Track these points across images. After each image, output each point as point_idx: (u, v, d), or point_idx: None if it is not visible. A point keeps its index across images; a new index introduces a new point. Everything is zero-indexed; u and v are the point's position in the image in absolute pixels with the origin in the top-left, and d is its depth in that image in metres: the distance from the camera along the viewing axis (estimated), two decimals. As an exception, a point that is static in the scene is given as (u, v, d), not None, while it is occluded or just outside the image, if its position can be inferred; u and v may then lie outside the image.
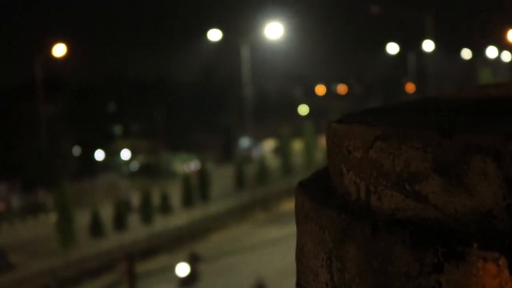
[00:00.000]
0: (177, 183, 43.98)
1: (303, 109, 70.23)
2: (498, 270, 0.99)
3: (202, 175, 43.28)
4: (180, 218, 39.68)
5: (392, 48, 56.61)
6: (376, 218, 1.13)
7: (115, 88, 58.50)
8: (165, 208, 39.53)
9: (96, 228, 36.25)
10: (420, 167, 1.11)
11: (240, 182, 46.39)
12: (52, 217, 36.97)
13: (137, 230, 37.42)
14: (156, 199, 39.09)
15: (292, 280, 1.39)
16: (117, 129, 60.49)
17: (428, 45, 51.81)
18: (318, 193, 1.32)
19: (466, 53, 64.81)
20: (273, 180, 47.69)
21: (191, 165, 53.89)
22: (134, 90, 58.65)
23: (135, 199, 41.83)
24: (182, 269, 28.62)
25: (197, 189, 42.09)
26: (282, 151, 51.43)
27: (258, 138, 60.54)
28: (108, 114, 59.80)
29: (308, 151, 51.42)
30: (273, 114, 64.48)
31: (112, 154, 56.05)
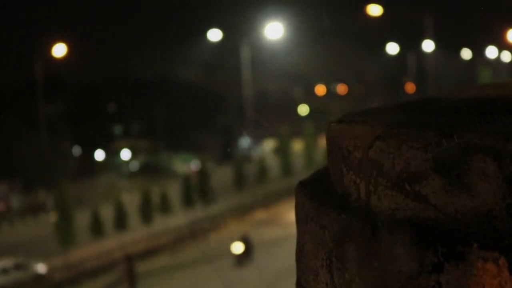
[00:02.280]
0: (177, 183, 44.01)
1: (303, 109, 70.22)
2: (498, 270, 0.99)
3: (202, 175, 43.31)
4: (180, 218, 39.71)
5: (392, 48, 56.61)
6: (376, 218, 1.13)
7: (115, 88, 58.51)
8: (165, 208, 39.56)
9: (96, 228, 36.28)
10: (420, 167, 1.11)
11: (239, 182, 46.43)
12: (52, 217, 37.01)
13: (137, 230, 37.45)
14: (156, 199, 39.11)
15: (292, 280, 1.39)
16: (117, 129, 60.53)
17: (428, 45, 51.83)
18: (318, 193, 1.32)
19: (466, 53, 64.84)
20: (273, 180, 47.72)
21: (191, 165, 53.93)
22: (134, 90, 58.68)
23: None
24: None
25: (197, 189, 42.14)
26: (282, 151, 51.45)
27: (258, 138, 60.55)
28: (108, 114, 59.83)
29: (308, 151, 51.45)
30: (273, 114, 64.46)
31: (112, 154, 56.09)
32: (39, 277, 29.81)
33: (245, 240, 27.81)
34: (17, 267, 29.56)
